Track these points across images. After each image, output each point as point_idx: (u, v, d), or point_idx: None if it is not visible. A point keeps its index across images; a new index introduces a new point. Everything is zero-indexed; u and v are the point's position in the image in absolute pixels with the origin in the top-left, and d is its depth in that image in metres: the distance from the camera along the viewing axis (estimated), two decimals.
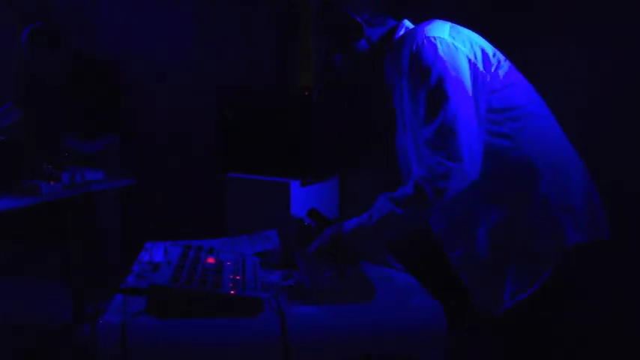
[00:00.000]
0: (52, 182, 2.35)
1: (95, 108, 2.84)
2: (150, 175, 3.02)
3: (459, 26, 1.36)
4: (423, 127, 1.28)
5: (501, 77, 1.32)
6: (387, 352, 1.10)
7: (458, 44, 1.29)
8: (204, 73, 3.16)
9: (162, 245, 1.54)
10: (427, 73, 1.26)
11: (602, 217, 1.36)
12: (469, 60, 1.29)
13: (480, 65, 1.30)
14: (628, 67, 2.02)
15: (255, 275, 1.24)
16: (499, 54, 1.37)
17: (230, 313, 1.09)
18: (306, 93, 2.40)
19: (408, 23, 1.44)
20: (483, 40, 1.37)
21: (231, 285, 1.14)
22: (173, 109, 3.19)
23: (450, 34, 1.30)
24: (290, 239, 1.49)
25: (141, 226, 2.86)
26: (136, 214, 3.02)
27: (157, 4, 3.25)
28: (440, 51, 1.26)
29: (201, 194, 3.13)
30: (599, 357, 2.02)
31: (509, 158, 1.30)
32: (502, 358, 1.42)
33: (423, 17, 1.39)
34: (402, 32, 1.40)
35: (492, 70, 1.31)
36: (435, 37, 1.28)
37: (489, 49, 1.35)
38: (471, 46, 1.31)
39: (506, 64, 1.36)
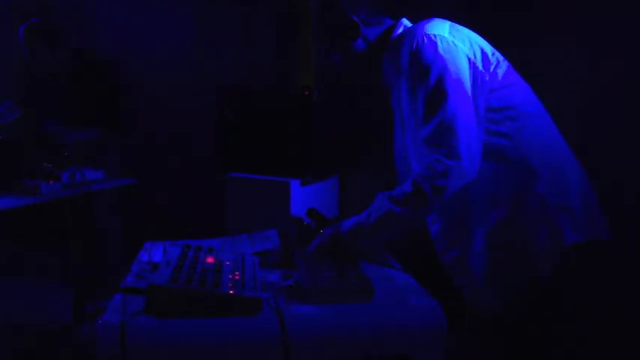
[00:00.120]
0: (51, 182, 2.35)
1: (95, 108, 2.84)
2: (150, 175, 3.02)
3: (458, 25, 1.36)
4: (421, 125, 1.28)
5: (500, 77, 1.32)
6: (387, 351, 1.10)
7: (458, 43, 1.29)
8: (204, 73, 3.16)
9: (161, 245, 1.54)
10: (427, 71, 1.26)
11: (600, 217, 1.36)
12: (469, 59, 1.29)
13: (480, 64, 1.30)
14: (628, 67, 2.02)
15: (254, 275, 1.24)
16: (498, 54, 1.37)
17: (229, 312, 1.09)
18: (306, 93, 2.40)
19: (406, 22, 1.44)
20: (482, 39, 1.37)
21: (230, 285, 1.14)
22: (173, 109, 3.19)
23: (450, 33, 1.30)
24: (290, 239, 1.49)
25: (141, 226, 2.86)
26: (136, 213, 3.02)
27: (157, 4, 3.25)
28: (440, 49, 1.26)
29: (201, 194, 3.13)
30: (599, 357, 2.01)
31: (507, 157, 1.30)
32: (502, 358, 1.42)
33: (422, 17, 1.39)
34: (400, 30, 1.40)
35: (491, 69, 1.32)
36: (435, 35, 1.28)
37: (488, 48, 1.35)
38: (471, 45, 1.31)
39: (504, 64, 1.36)
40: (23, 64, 2.93)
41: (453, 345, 1.14)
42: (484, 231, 1.33)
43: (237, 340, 1.07)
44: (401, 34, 1.38)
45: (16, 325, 2.58)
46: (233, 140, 2.54)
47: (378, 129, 1.54)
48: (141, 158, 3.06)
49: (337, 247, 1.36)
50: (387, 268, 1.41)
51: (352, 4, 1.40)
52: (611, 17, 2.05)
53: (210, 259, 1.28)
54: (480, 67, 1.30)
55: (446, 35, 1.29)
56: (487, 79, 1.30)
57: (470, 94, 1.27)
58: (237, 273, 1.22)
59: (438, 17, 1.37)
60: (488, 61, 1.32)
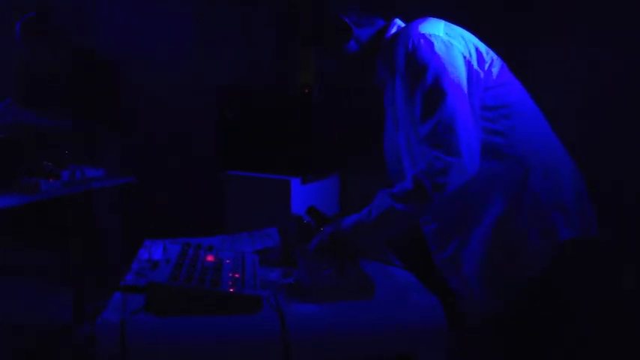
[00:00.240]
0: (51, 180, 2.34)
1: (95, 108, 2.84)
2: (150, 174, 3.02)
3: (452, 24, 1.36)
4: (419, 124, 1.28)
5: (495, 75, 1.33)
6: (387, 349, 1.10)
7: (453, 41, 1.29)
8: (204, 73, 3.16)
9: (161, 243, 1.54)
10: (424, 71, 1.26)
11: (591, 214, 1.36)
12: (464, 57, 1.29)
13: (475, 63, 1.30)
14: (628, 67, 2.02)
15: (254, 273, 1.24)
16: (492, 52, 1.37)
17: (229, 311, 1.09)
18: (307, 90, 2.40)
19: (399, 22, 1.44)
20: (476, 38, 1.38)
21: (230, 283, 1.14)
22: (173, 109, 3.18)
23: (445, 32, 1.30)
24: (290, 237, 1.49)
25: (141, 224, 2.86)
26: (136, 211, 3.02)
27: (157, 4, 3.25)
28: (436, 48, 1.26)
29: (201, 192, 3.13)
30: (599, 357, 2.01)
31: (502, 155, 1.30)
32: (502, 358, 1.42)
33: (421, 16, 1.39)
34: (394, 30, 1.40)
35: (486, 67, 1.32)
36: (430, 35, 1.28)
37: (482, 47, 1.36)
38: (466, 44, 1.32)
39: (498, 63, 1.36)
40: (23, 64, 2.92)
41: (453, 343, 1.13)
42: (479, 230, 1.33)
43: (237, 338, 1.07)
44: (395, 34, 1.38)
45: (16, 325, 2.58)
46: (233, 140, 2.54)
47: (378, 127, 1.54)
48: (141, 157, 3.06)
49: (337, 244, 1.36)
50: (388, 265, 1.41)
51: (343, 6, 1.40)
52: (611, 17, 2.06)
53: (210, 258, 1.27)
54: (475, 66, 1.30)
55: (441, 34, 1.29)
56: (482, 77, 1.31)
57: (467, 93, 1.27)
58: (237, 271, 1.22)
59: (438, 16, 1.38)
60: (483, 59, 1.33)
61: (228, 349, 1.06)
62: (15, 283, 2.94)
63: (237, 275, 1.19)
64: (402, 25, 1.42)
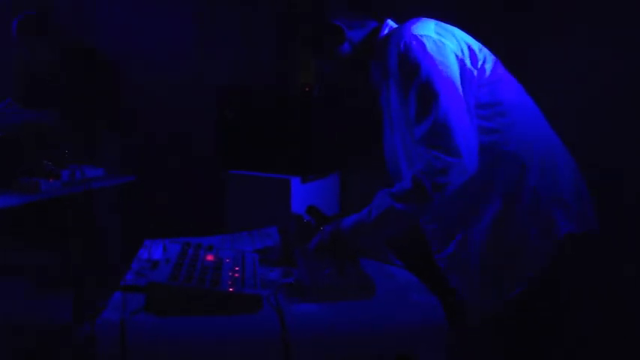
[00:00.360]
0: (51, 179, 2.34)
1: (95, 108, 2.84)
2: (150, 174, 3.03)
3: (443, 23, 1.36)
4: (414, 125, 1.28)
5: (488, 72, 1.33)
6: (387, 349, 1.09)
7: (445, 41, 1.29)
8: (204, 73, 3.16)
9: (161, 242, 1.54)
10: (416, 72, 1.26)
11: (590, 210, 1.36)
12: (456, 56, 1.29)
13: (467, 61, 1.30)
14: (628, 67, 2.03)
15: (254, 272, 1.23)
16: (485, 50, 1.37)
17: (229, 310, 1.09)
18: (307, 89, 2.40)
19: (391, 23, 1.44)
20: (468, 36, 1.38)
21: (230, 282, 1.14)
22: (173, 109, 3.18)
23: (435, 32, 1.30)
24: (290, 236, 1.49)
25: (141, 224, 2.86)
26: (136, 211, 3.02)
27: (157, 4, 3.25)
28: (428, 49, 1.26)
29: (201, 191, 3.13)
30: (599, 357, 2.01)
31: (499, 153, 1.30)
32: (502, 358, 1.42)
33: (416, 17, 1.39)
34: (386, 31, 1.41)
35: (479, 65, 1.32)
36: (421, 35, 1.28)
37: (475, 44, 1.36)
38: (458, 43, 1.32)
39: (491, 59, 1.36)
40: (23, 64, 2.92)
41: (453, 343, 1.13)
42: (479, 229, 1.33)
43: (237, 337, 1.06)
44: (387, 35, 1.39)
45: (16, 325, 2.58)
46: (233, 140, 2.54)
47: (377, 127, 1.54)
48: (141, 157, 3.06)
49: (337, 244, 1.36)
50: (388, 265, 1.41)
51: (334, 9, 1.40)
52: (611, 17, 2.06)
53: (210, 257, 1.27)
54: (468, 64, 1.30)
55: (432, 35, 1.29)
56: (475, 75, 1.31)
57: (460, 92, 1.27)
58: (237, 270, 1.22)
59: (439, 18, 1.38)
60: (476, 57, 1.33)
61: (228, 348, 1.06)
62: (15, 283, 2.94)
63: (237, 275, 1.19)
64: (395, 26, 1.42)
